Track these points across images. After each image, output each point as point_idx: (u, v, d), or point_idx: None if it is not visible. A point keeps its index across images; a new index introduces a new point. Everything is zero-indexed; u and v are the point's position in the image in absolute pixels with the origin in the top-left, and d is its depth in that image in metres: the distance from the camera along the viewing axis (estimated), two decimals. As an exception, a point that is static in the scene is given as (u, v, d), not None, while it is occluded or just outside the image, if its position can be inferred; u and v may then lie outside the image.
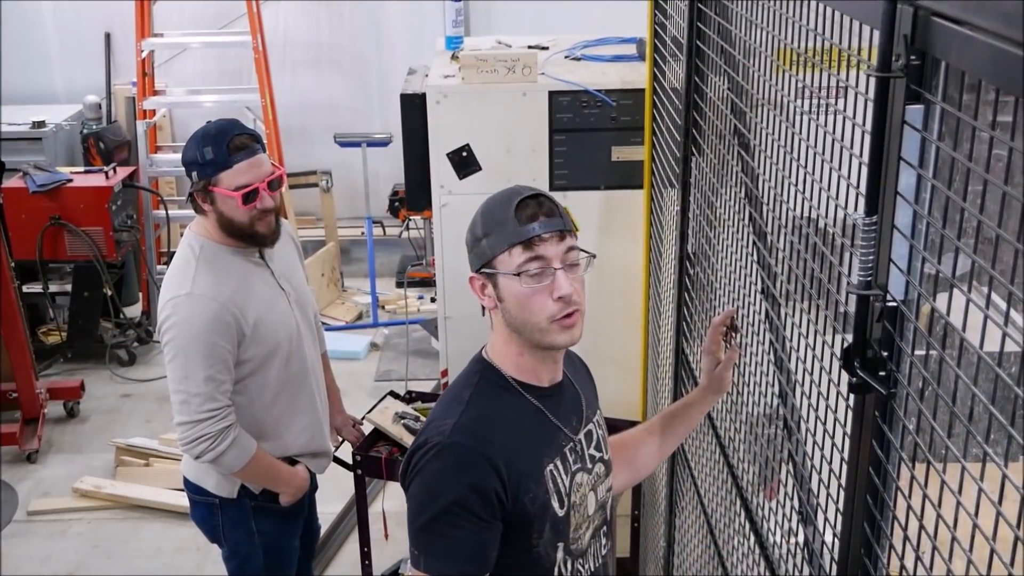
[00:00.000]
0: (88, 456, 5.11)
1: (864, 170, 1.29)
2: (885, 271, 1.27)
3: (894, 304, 1.27)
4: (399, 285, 6.68)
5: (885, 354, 1.29)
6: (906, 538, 1.27)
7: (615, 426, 2.55)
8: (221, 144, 2.67)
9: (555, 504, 1.87)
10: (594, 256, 1.89)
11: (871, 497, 1.37)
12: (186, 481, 2.98)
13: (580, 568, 1.96)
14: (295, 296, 2.93)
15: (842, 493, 1.49)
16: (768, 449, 2.01)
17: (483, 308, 1.88)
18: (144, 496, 4.69)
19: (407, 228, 5.73)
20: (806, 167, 1.61)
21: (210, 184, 2.68)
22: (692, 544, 2.81)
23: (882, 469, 1.33)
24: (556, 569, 1.91)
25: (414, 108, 3.49)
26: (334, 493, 4.06)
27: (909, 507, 1.26)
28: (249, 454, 2.76)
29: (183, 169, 2.78)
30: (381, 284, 6.74)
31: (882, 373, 1.29)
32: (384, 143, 6.24)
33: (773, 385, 1.95)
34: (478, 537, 1.78)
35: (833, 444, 1.54)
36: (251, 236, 2.76)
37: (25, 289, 5.78)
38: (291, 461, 2.95)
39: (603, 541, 2.04)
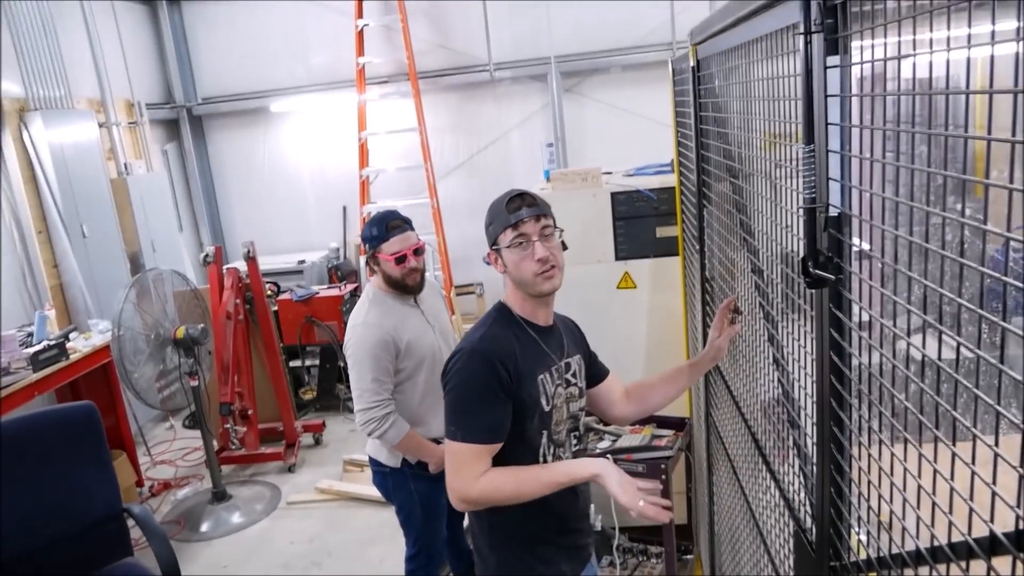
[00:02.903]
0: (326, 468, 5.05)
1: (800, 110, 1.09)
2: (825, 190, 1.06)
3: (836, 214, 1.05)
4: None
5: (830, 255, 1.07)
6: (861, 390, 1.02)
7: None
8: (382, 225, 2.65)
9: (543, 401, 1.80)
10: (562, 229, 1.82)
11: (835, 377, 1.12)
12: (369, 458, 2.85)
13: (560, 454, 1.87)
14: (439, 328, 2.81)
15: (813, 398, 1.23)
16: (778, 425, 1.74)
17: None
18: (360, 491, 4.57)
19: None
20: (783, 204, 1.40)
21: (376, 252, 2.64)
22: (727, 494, 2.48)
23: (842, 351, 1.09)
24: (540, 450, 1.81)
25: (521, 210, 3.39)
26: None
27: (869, 369, 1.01)
28: (403, 433, 2.62)
29: None
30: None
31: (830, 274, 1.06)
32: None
33: (773, 380, 1.69)
34: (497, 412, 1.71)
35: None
36: (404, 287, 2.69)
37: (291, 364, 5.88)
38: (437, 441, 2.77)
39: (573, 442, 1.93)
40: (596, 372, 2.05)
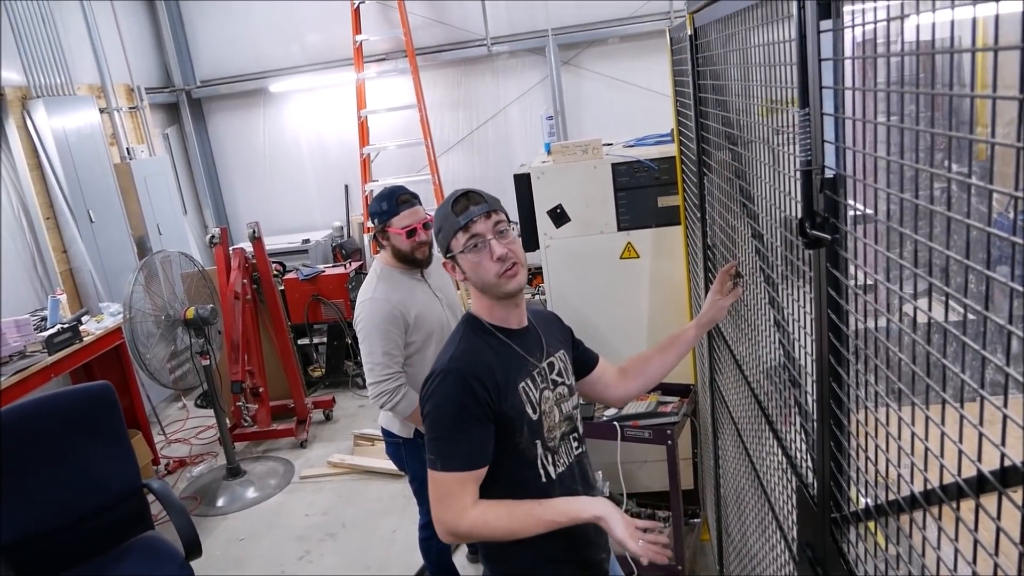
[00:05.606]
0: (337, 443, 5.12)
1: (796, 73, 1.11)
2: (821, 152, 1.09)
3: (832, 175, 1.08)
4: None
5: (826, 216, 1.09)
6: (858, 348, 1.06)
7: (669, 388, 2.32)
8: (392, 200, 2.65)
9: (528, 410, 1.66)
10: (515, 222, 1.75)
11: (833, 335, 1.15)
12: (382, 429, 2.90)
13: (557, 461, 1.73)
14: (446, 300, 2.84)
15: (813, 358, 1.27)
16: (781, 386, 1.77)
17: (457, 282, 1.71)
18: (371, 464, 4.65)
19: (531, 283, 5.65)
20: (781, 169, 1.42)
21: (386, 226, 2.66)
22: (732, 457, 2.53)
23: (840, 310, 1.12)
24: (539, 460, 1.69)
25: (523, 183, 3.41)
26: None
27: (864, 327, 1.04)
28: (415, 404, 2.64)
29: None
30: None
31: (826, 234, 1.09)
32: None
33: (775, 343, 1.72)
34: (479, 435, 1.58)
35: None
36: (412, 260, 2.70)
37: (299, 342, 5.92)
38: None
39: (574, 444, 1.79)
40: (585, 360, 1.94)
